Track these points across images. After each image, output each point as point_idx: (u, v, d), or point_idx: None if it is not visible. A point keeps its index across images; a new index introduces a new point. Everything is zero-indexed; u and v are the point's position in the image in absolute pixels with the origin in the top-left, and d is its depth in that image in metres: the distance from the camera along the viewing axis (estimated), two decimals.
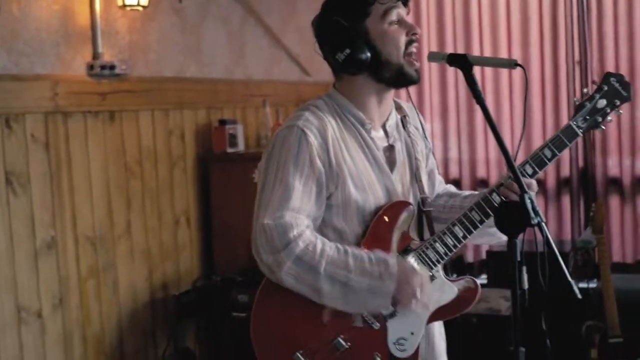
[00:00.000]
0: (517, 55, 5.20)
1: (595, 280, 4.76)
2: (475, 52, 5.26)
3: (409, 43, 2.15)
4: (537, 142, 5.06)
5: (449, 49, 5.29)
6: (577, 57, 5.06)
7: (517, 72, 5.15)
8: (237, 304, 3.90)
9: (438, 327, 2.33)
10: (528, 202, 1.90)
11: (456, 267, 5.19)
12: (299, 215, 2.06)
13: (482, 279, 5.35)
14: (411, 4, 5.55)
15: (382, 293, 2.04)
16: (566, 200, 5.23)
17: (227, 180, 4.31)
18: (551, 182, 5.20)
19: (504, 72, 5.18)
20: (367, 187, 2.15)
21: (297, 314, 2.12)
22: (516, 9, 5.20)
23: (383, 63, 2.14)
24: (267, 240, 2.05)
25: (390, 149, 2.24)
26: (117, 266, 3.83)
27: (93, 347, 3.69)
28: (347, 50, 2.12)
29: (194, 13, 4.39)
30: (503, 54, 5.22)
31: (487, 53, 5.25)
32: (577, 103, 2.25)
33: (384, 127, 2.25)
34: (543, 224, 1.91)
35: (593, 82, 2.31)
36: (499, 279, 4.73)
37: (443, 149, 5.46)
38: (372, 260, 2.06)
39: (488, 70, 5.22)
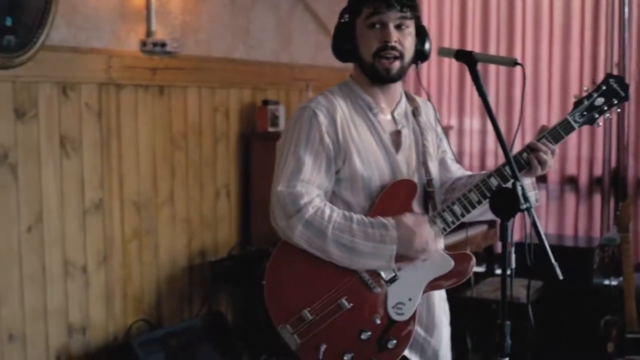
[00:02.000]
0: (557, 54, 5.34)
1: (619, 277, 4.89)
2: (517, 50, 5.42)
3: (382, 49, 2.36)
4: (573, 138, 5.24)
5: (492, 49, 5.47)
6: (615, 60, 5.17)
7: (555, 72, 5.32)
8: None
9: (438, 298, 2.53)
10: (519, 189, 2.08)
11: (486, 257, 5.38)
12: (309, 185, 2.30)
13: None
14: (456, 5, 5.65)
15: (384, 255, 2.28)
16: (597, 199, 5.34)
17: (267, 157, 4.49)
18: (584, 180, 5.33)
19: (543, 71, 5.34)
20: (372, 164, 2.38)
21: (307, 275, 2.35)
22: (559, 9, 5.33)
23: (360, 59, 2.41)
24: (281, 206, 2.30)
25: (397, 133, 2.47)
26: (158, 231, 4.10)
27: (132, 304, 3.97)
28: (335, 40, 2.43)
29: None
30: (544, 53, 5.36)
31: (529, 52, 5.40)
32: (576, 99, 2.43)
33: (392, 113, 2.48)
34: (532, 209, 2.10)
35: (593, 82, 2.48)
36: (521, 270, 4.89)
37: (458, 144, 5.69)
38: (373, 225, 2.29)
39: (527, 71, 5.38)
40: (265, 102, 4.62)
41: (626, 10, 5.12)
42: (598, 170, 5.30)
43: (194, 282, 4.33)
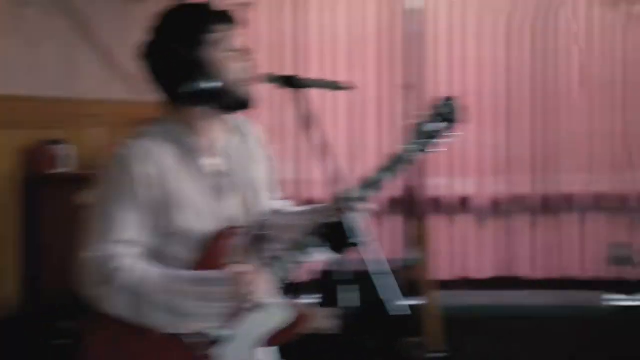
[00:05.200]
0: (356, 77, 5.36)
1: (419, 297, 4.96)
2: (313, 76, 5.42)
3: (244, 69, 2.19)
4: (373, 163, 5.26)
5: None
6: (410, 81, 5.26)
7: (343, 94, 5.34)
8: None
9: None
10: (349, 223, 2.05)
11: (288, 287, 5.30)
12: (120, 245, 2.08)
13: (315, 299, 5.47)
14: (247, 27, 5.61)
15: (212, 314, 2.10)
16: (396, 220, 5.41)
17: (55, 201, 4.22)
18: (381, 202, 5.37)
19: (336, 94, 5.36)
20: (199, 215, 2.17)
21: (126, 348, 2.12)
22: (357, 34, 5.38)
23: (223, 92, 2.17)
24: (88, 274, 2.07)
25: (224, 174, 2.26)
26: None
27: None
28: (197, 84, 2.14)
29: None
30: (342, 77, 5.37)
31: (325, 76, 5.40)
32: (409, 126, 2.33)
33: (220, 150, 2.27)
34: (363, 244, 2.07)
35: (425, 107, 2.37)
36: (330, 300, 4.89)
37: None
38: (197, 282, 2.09)
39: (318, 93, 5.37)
40: (51, 142, 4.30)
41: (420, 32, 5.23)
42: (393, 192, 5.35)
43: None
